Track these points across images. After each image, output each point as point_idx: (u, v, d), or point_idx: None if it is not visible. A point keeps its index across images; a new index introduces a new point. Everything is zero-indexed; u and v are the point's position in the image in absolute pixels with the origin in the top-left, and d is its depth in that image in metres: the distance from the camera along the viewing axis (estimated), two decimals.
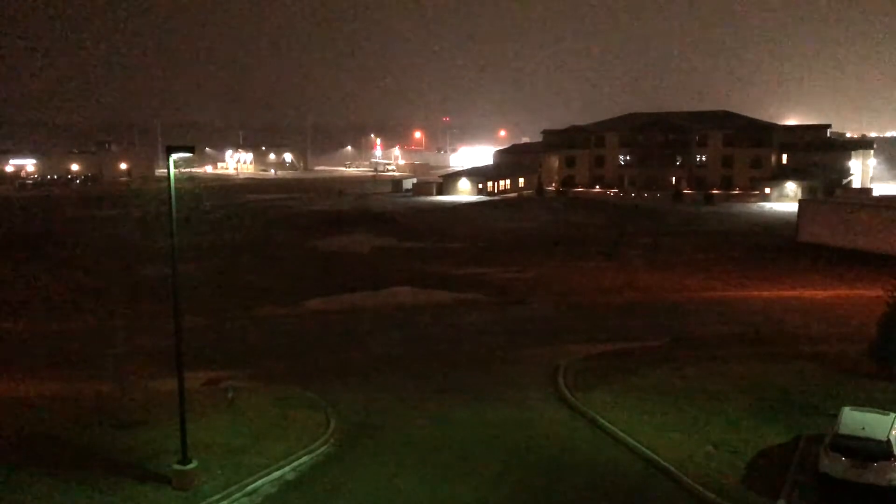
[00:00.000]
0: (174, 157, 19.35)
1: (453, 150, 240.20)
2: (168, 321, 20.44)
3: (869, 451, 18.70)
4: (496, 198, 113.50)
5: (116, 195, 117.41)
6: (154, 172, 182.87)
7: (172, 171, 19.29)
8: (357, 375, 29.51)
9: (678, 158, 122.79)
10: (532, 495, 19.63)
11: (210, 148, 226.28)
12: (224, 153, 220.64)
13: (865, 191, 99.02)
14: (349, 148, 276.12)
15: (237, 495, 19.44)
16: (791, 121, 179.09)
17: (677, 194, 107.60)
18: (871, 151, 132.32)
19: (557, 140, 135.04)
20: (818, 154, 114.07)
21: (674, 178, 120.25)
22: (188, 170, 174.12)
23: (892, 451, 18.60)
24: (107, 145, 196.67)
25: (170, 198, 19.03)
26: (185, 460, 19.66)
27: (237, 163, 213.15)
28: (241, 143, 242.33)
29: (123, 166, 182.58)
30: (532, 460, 21.61)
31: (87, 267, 56.41)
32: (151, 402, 25.45)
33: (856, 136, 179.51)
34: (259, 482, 20.11)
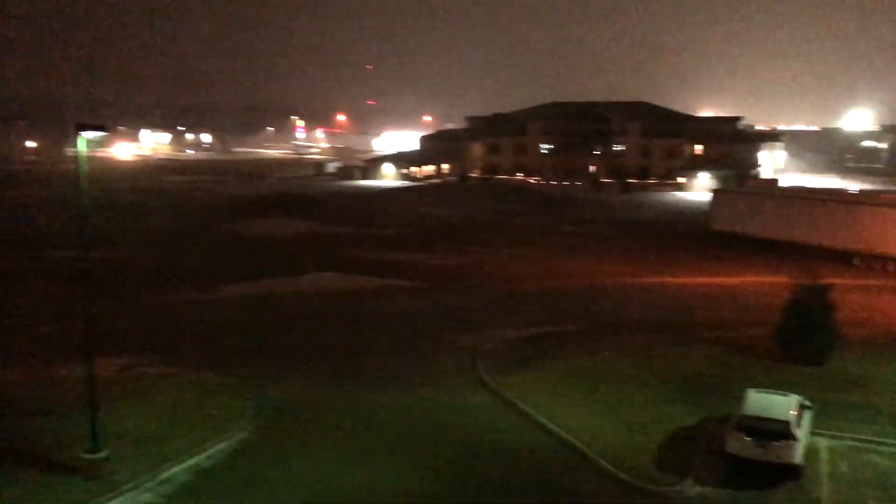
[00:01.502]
0: (85, 135, 18.62)
1: (378, 135, 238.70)
2: (79, 305, 19.72)
3: (771, 430, 19.63)
4: (421, 183, 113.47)
5: (26, 175, 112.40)
6: (64, 152, 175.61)
7: (83, 150, 18.58)
8: (277, 362, 29.14)
9: (598, 148, 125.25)
10: (453, 479, 19.85)
11: (125, 127, 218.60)
12: (139, 133, 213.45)
13: (773, 181, 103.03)
14: (271, 130, 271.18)
15: (150, 484, 19.01)
16: (706, 112, 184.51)
17: (597, 183, 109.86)
18: (780, 143, 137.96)
19: (482, 127, 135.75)
20: (730, 145, 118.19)
21: (593, 167, 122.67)
22: (101, 150, 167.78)
23: (792, 431, 19.57)
24: (12, 121, 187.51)
25: (79, 179, 18.33)
26: (95, 449, 19.09)
27: (153, 143, 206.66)
28: (158, 122, 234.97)
29: (31, 144, 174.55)
30: (453, 444, 21.84)
31: None
32: (61, 390, 24.57)
33: (766, 129, 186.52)
34: (173, 470, 19.71)
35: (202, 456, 20.61)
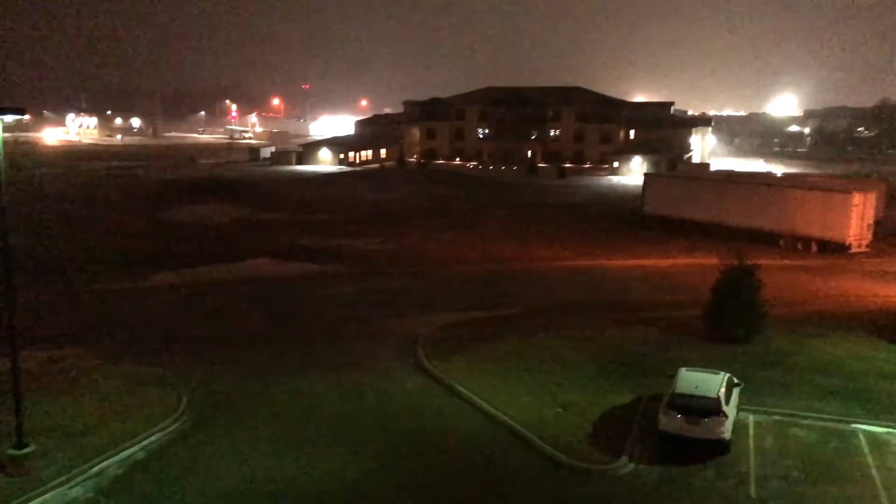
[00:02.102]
0: (2, 119, 17.86)
1: (313, 119, 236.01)
2: (1, 296, 19.00)
3: (701, 407, 20.20)
4: (358, 168, 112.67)
5: None
6: None
7: (0, 135, 17.82)
8: (211, 351, 28.64)
9: (533, 133, 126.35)
10: (392, 463, 19.88)
11: (49, 111, 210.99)
12: (65, 117, 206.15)
13: (704, 165, 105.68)
14: (203, 114, 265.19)
15: (80, 478, 18.51)
16: (639, 98, 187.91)
17: (532, 168, 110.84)
18: (710, 128, 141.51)
19: (419, 112, 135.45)
20: (662, 130, 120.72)
21: (529, 152, 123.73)
22: (23, 134, 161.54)
23: (721, 408, 20.17)
24: None
25: None
26: (20, 444, 18.48)
27: (79, 127, 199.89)
28: (83, 106, 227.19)
29: None
30: (391, 429, 21.86)
31: None
32: None
33: (696, 114, 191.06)
34: (105, 463, 19.23)
35: (135, 448, 20.15)
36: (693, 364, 24.39)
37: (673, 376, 22.11)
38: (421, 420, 22.51)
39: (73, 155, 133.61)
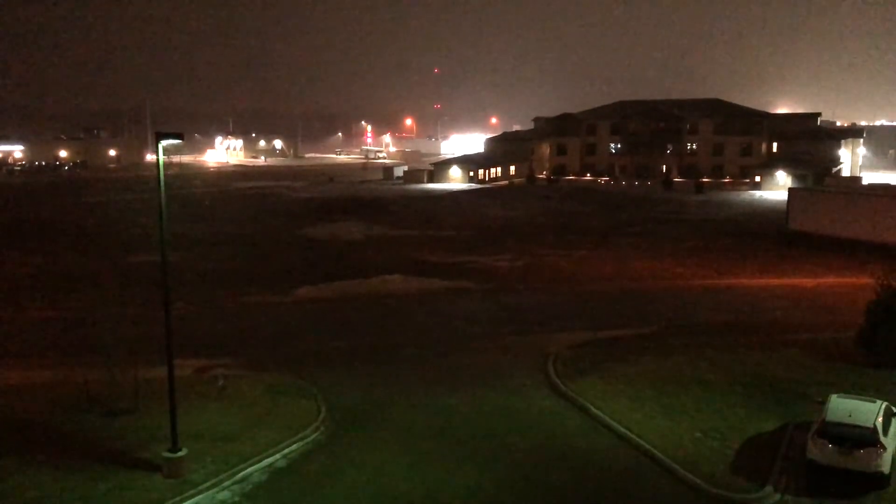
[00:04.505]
0: (163, 143, 19.24)
1: (444, 138, 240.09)
2: (159, 309, 20.36)
3: (855, 437, 18.86)
4: (487, 185, 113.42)
5: (107, 182, 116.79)
6: (143, 159, 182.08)
7: (161, 157, 19.19)
8: (347, 363, 29.51)
9: (669, 147, 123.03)
10: (523, 482, 19.72)
11: (199, 134, 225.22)
12: (214, 140, 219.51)
13: (855, 179, 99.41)
14: (340, 135, 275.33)
15: (227, 483, 19.46)
16: (782, 109, 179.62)
17: (668, 182, 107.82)
18: (861, 140, 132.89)
19: (549, 128, 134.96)
20: (808, 142, 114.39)
21: (664, 167, 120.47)
22: (178, 158, 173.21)
23: (878, 438, 18.76)
24: (95, 132, 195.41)
25: (159, 185, 18.94)
26: (174, 448, 19.65)
27: (227, 150, 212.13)
28: (230, 129, 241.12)
29: (112, 152, 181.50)
30: (523, 448, 21.70)
31: (77, 254, 56.08)
32: (141, 390, 25.36)
33: (846, 125, 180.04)
34: (249, 470, 20.13)
35: (277, 456, 21.01)
36: (844, 390, 22.85)
37: (822, 403, 20.79)
38: (553, 440, 22.22)
39: (224, 176, 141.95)
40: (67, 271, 49.86)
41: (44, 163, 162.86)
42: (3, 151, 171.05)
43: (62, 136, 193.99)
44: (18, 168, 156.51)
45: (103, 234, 65.73)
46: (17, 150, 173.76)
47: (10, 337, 34.56)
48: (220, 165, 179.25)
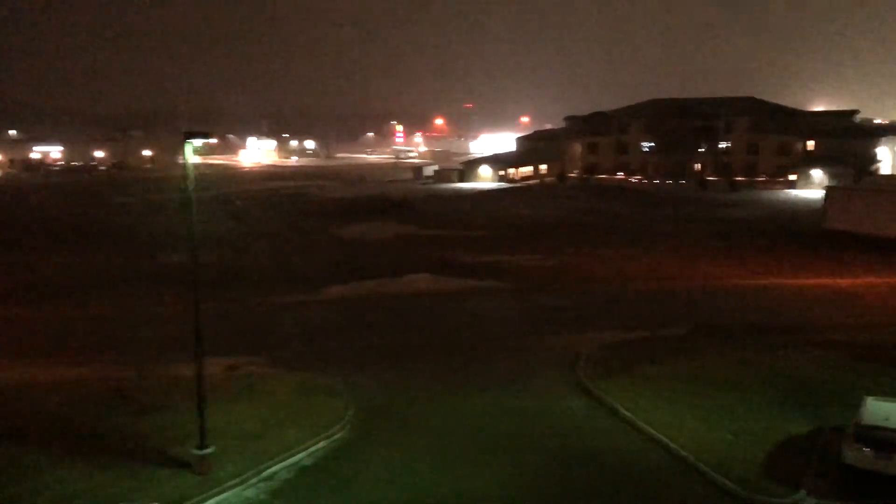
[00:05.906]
0: (191, 142, 19.38)
1: (474, 137, 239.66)
2: (189, 307, 20.50)
3: (893, 441, 18.37)
4: (518, 185, 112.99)
5: (143, 181, 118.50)
6: (178, 160, 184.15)
7: (190, 157, 19.32)
8: (375, 362, 29.50)
9: (703, 145, 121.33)
10: (551, 483, 19.52)
11: (232, 135, 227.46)
12: (247, 140, 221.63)
13: (894, 177, 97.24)
14: (371, 135, 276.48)
15: (254, 480, 19.54)
16: (818, 107, 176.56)
17: (702, 181, 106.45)
18: None
19: (580, 126, 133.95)
20: (845, 140, 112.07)
21: (698, 165, 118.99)
22: (208, 158, 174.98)
23: None
24: (130, 132, 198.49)
25: (187, 183, 19.08)
26: (203, 445, 19.77)
27: (260, 150, 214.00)
28: (264, 130, 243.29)
29: (147, 153, 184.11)
30: (551, 448, 21.48)
31: (109, 253, 56.94)
32: (171, 388, 25.61)
33: (885, 122, 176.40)
34: (276, 467, 20.20)
35: (304, 454, 21.04)
36: (881, 392, 22.30)
37: (858, 405, 20.29)
38: (582, 441, 21.96)
39: (257, 176, 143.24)
40: (100, 270, 50.62)
41: (80, 163, 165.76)
42: (41, 152, 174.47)
43: (98, 137, 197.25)
44: (56, 168, 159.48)
45: (138, 235, 66.64)
46: (54, 151, 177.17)
47: (42, 335, 35.14)
48: (253, 166, 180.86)
